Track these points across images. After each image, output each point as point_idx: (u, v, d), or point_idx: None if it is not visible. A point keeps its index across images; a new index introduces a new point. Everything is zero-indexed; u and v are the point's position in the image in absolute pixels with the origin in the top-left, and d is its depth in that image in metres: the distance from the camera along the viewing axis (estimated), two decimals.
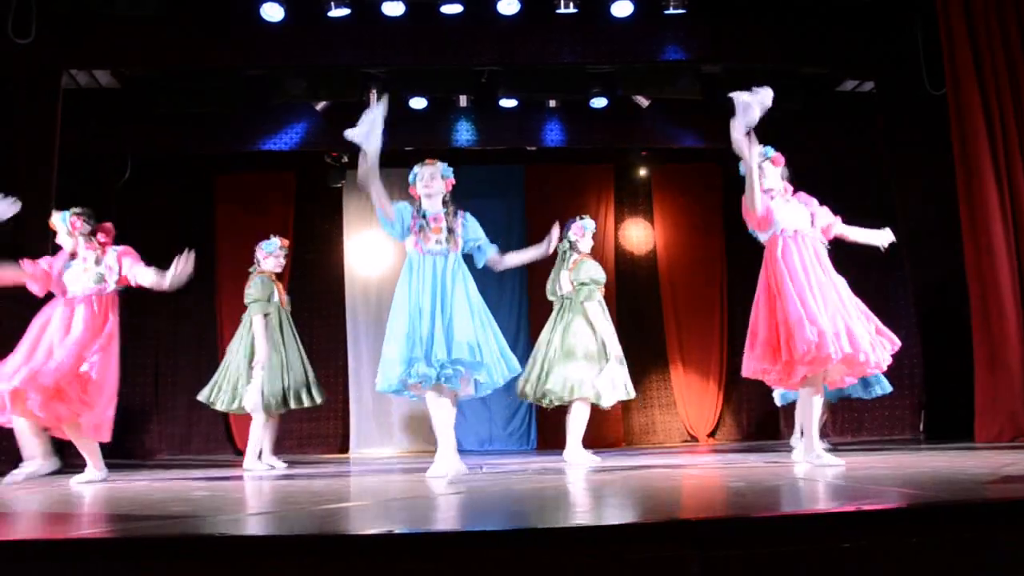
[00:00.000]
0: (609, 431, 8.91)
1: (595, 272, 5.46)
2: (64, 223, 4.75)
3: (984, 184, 5.97)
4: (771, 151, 4.74)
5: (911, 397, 7.55)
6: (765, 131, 8.58)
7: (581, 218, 5.69)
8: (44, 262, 4.72)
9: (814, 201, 4.70)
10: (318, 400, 6.02)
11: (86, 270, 4.65)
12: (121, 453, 6.73)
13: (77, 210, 4.79)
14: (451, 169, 4.79)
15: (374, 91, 7.75)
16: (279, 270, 6.10)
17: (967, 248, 6.03)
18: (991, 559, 1.96)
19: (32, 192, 6.65)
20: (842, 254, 8.26)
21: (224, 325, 8.50)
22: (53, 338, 4.48)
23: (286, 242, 6.17)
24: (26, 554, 1.91)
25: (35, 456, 4.48)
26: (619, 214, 9.46)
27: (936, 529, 2.00)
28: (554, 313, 5.62)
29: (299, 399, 5.88)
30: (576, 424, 5.36)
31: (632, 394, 5.42)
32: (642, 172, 9.30)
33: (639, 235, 9.51)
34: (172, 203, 9.00)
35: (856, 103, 8.28)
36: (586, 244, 5.61)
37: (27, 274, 4.66)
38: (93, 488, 4.19)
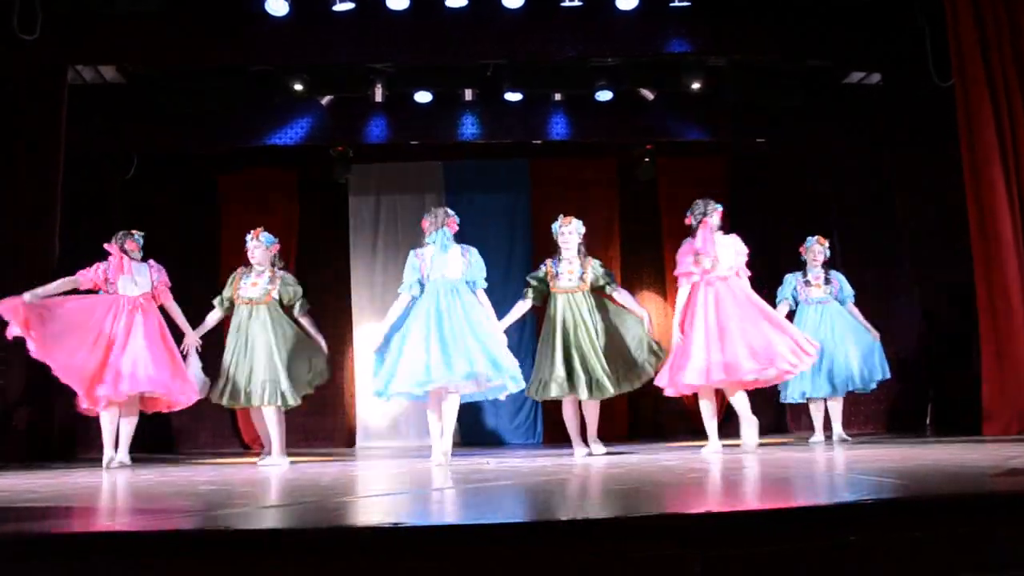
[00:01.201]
0: (615, 425, 8.92)
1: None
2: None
3: (992, 177, 5.91)
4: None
5: (917, 391, 7.53)
6: (771, 124, 8.60)
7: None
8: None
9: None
10: (257, 402, 5.72)
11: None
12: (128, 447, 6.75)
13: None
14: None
15: (378, 84, 7.76)
16: (257, 263, 5.96)
17: (974, 241, 5.99)
18: (996, 552, 1.95)
19: (37, 189, 6.69)
20: (847, 249, 8.28)
21: (228, 321, 8.51)
22: None
23: (256, 231, 6.03)
24: (30, 549, 1.92)
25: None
26: (624, 207, 9.44)
27: (942, 522, 1.99)
28: None
29: (239, 398, 5.75)
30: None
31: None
32: (647, 165, 9.28)
33: (645, 227, 9.49)
34: (176, 200, 9.00)
35: (860, 96, 8.25)
36: (563, 245, 5.78)
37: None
38: (99, 482, 4.22)
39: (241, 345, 5.81)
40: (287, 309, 5.98)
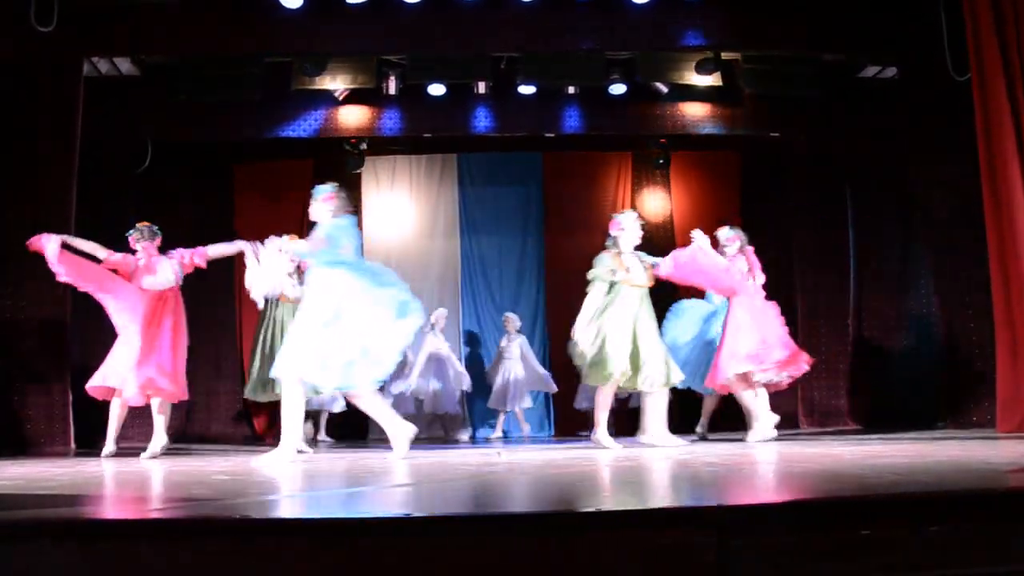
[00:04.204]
0: (625, 419, 8.92)
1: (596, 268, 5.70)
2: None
3: (1009, 171, 5.86)
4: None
5: (931, 387, 7.48)
6: (786, 118, 8.54)
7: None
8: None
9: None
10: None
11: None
12: (140, 437, 6.79)
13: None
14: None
15: (392, 77, 7.77)
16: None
17: (990, 237, 5.94)
18: (1011, 547, 1.95)
19: (53, 180, 6.73)
20: (862, 241, 8.24)
21: (242, 312, 8.54)
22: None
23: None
24: (47, 532, 1.93)
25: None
26: (637, 201, 9.42)
27: (956, 518, 1.99)
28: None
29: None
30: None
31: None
32: (660, 159, 9.27)
33: (657, 222, 9.47)
34: (191, 190, 9.04)
35: (876, 90, 8.20)
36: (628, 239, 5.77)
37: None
38: (117, 470, 4.25)
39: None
40: None
